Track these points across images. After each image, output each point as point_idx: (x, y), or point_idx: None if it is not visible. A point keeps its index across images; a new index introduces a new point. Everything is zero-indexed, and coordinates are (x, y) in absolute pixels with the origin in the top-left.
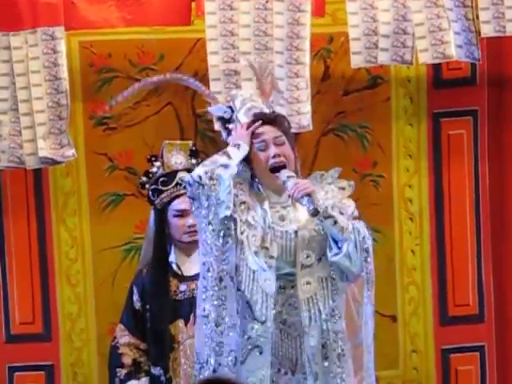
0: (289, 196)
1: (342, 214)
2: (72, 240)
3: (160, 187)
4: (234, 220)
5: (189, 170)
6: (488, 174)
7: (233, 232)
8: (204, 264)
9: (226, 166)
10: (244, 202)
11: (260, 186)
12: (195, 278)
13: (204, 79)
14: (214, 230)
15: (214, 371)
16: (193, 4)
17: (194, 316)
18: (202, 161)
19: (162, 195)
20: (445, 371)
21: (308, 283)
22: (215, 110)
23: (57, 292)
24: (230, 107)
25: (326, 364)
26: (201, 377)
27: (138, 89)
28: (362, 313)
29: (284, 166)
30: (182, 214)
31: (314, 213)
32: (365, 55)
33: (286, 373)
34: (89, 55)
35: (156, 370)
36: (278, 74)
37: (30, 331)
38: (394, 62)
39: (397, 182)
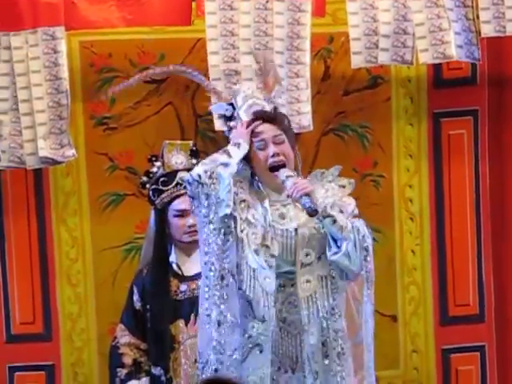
0: (288, 196)
1: (341, 212)
2: (72, 240)
3: (160, 187)
4: (234, 218)
5: (189, 170)
6: (488, 173)
7: (233, 230)
8: (205, 263)
9: (225, 165)
10: (244, 201)
11: (260, 185)
12: (196, 277)
13: None
14: (214, 229)
15: (216, 370)
16: (193, 4)
17: (195, 316)
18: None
19: (163, 195)
20: (445, 371)
21: (308, 281)
22: (216, 109)
23: (57, 292)
24: (232, 104)
25: (326, 362)
26: (204, 376)
27: (138, 80)
28: (361, 311)
29: (283, 165)
30: (183, 213)
31: (313, 213)
32: (365, 55)
33: (286, 371)
34: (89, 55)
35: (156, 370)
36: None
37: (31, 331)
38: (394, 62)
39: (397, 181)
